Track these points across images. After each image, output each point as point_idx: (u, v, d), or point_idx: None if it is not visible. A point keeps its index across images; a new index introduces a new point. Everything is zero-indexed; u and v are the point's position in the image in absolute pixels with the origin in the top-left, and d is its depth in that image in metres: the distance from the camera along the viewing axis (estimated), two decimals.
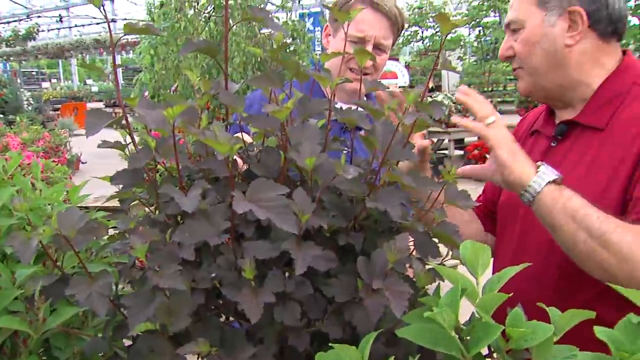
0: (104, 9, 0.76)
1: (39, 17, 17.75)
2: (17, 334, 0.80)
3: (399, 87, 12.65)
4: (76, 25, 18.75)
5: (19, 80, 16.78)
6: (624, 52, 1.25)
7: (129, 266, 0.83)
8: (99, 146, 0.85)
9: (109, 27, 0.83)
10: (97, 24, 18.94)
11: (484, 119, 1.07)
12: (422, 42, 7.49)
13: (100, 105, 18.88)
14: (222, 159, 0.68)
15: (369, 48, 1.56)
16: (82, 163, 9.29)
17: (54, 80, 20.69)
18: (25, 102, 10.35)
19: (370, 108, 0.82)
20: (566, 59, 1.20)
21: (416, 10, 7.17)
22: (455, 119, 1.07)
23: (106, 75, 0.84)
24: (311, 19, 13.03)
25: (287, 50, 4.25)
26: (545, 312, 0.70)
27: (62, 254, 0.90)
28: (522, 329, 0.65)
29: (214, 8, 3.91)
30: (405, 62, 9.12)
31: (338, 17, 0.94)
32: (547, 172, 1.03)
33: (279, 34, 0.90)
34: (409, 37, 7.62)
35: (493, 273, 1.39)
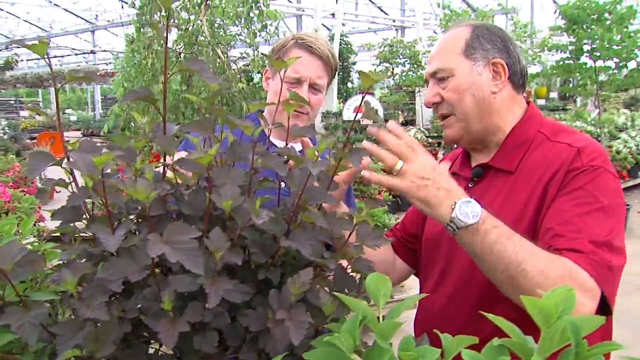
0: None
1: (17, 47, 17.84)
2: None
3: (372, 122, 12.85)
4: (55, 56, 18.90)
5: None
6: (528, 103, 1.40)
7: (68, 295, 0.89)
8: (41, 184, 0.92)
9: (50, 66, 0.91)
10: (76, 54, 19.08)
11: (392, 167, 1.11)
12: (393, 79, 7.72)
13: (78, 134, 18.84)
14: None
15: (305, 87, 1.67)
16: (57, 192, 9.26)
17: (30, 111, 20.62)
18: (1, 131, 10.33)
19: (290, 155, 0.91)
20: (492, 105, 1.33)
21: (387, 48, 7.40)
22: (365, 174, 1.10)
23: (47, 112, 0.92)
24: None
25: (257, 86, 4.36)
26: (470, 330, 0.80)
27: (4, 284, 0.96)
28: (411, 352, 0.73)
29: (184, 46, 4.05)
30: (379, 97, 9.35)
31: (274, 65, 1.03)
32: (463, 213, 1.08)
33: (213, 85, 0.99)
34: (380, 73, 7.83)
35: (420, 291, 1.48)
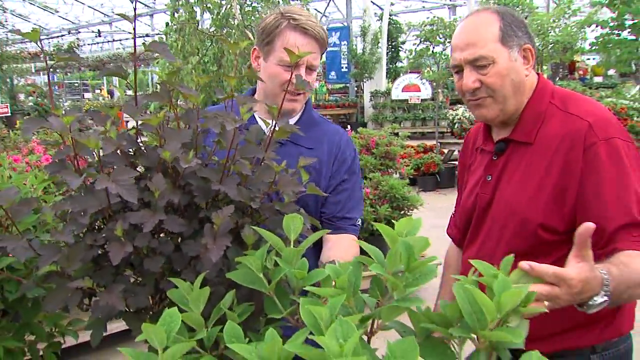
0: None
1: (78, 32, 18.75)
2: None
3: (421, 99, 12.92)
4: (114, 40, 19.75)
5: (64, 92, 17.69)
6: (537, 74, 1.52)
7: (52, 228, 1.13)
8: (39, 143, 1.17)
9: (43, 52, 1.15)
10: (136, 37, 19.79)
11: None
12: (433, 58, 7.75)
13: None
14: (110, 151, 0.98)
15: (302, 70, 1.69)
16: None
17: (97, 91, 21.69)
18: (64, 112, 10.96)
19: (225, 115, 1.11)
20: (524, 86, 1.46)
21: (427, 27, 7.42)
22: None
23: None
24: (338, 33, 13.43)
25: None
26: None
27: (14, 224, 1.21)
28: (301, 271, 0.93)
29: (215, 28, 4.29)
30: (427, 76, 9.38)
31: (291, 59, 1.16)
32: (593, 307, 1.14)
33: (175, 62, 1.21)
34: (421, 52, 7.84)
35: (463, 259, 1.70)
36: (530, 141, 1.44)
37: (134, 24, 1.19)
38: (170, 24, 4.45)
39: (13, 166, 1.32)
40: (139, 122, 1.12)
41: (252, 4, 4.57)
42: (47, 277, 1.12)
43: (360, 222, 1.80)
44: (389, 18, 12.44)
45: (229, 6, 4.23)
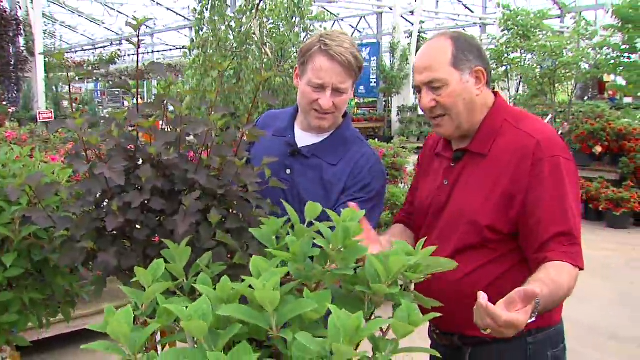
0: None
1: (121, 43, 19.65)
2: (7, 239, 1.46)
3: None
4: (154, 52, 20.66)
5: (106, 99, 18.51)
6: (495, 94, 1.74)
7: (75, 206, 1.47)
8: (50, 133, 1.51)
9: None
10: (170, 49, 20.75)
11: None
12: None
13: None
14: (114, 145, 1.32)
15: (328, 92, 1.79)
16: None
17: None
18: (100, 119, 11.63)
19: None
20: (476, 104, 1.64)
21: None
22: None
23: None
24: (368, 49, 13.79)
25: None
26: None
27: (41, 200, 1.56)
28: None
29: (235, 45, 4.67)
30: None
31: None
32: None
33: (168, 79, 1.54)
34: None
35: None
36: (485, 153, 1.63)
37: (137, 46, 1.52)
38: (194, 40, 4.86)
39: (44, 160, 1.65)
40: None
41: (274, 22, 4.96)
42: (62, 243, 1.45)
43: None
44: (418, 35, 12.73)
45: (249, 25, 4.61)
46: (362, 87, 13.89)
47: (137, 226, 1.37)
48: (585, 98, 12.97)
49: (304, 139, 1.94)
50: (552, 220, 1.51)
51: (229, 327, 0.95)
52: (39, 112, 6.31)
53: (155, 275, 1.08)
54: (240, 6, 4.76)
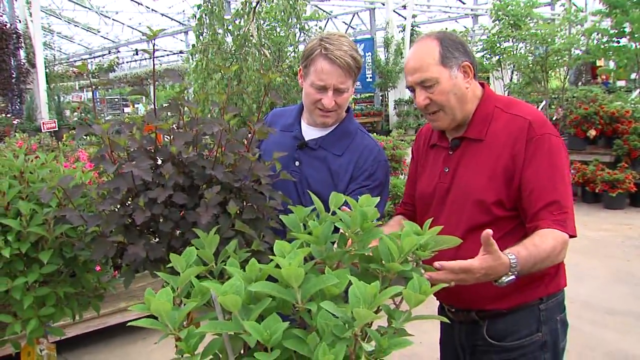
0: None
1: (118, 50, 19.78)
2: (43, 238, 1.57)
3: None
4: (152, 57, 20.69)
5: (106, 107, 18.65)
6: (482, 85, 1.85)
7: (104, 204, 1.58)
8: (77, 140, 1.62)
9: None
10: (174, 54, 20.85)
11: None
12: None
13: None
14: (136, 148, 1.43)
15: (330, 93, 1.93)
16: None
17: (137, 106, 22.78)
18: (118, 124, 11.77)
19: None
20: (467, 97, 1.75)
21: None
22: (437, 265, 1.39)
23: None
24: (362, 45, 13.88)
25: None
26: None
27: (71, 201, 1.66)
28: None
29: (235, 47, 4.79)
30: None
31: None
32: (504, 283, 1.48)
33: (181, 84, 1.65)
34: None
35: None
36: (482, 138, 1.74)
37: (152, 56, 1.63)
38: (196, 45, 4.98)
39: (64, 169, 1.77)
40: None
41: (270, 24, 5.08)
42: (93, 239, 1.56)
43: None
44: (412, 29, 12.84)
45: (247, 28, 4.72)
46: (358, 83, 14.00)
47: (161, 220, 1.49)
48: (579, 83, 13.07)
49: (310, 132, 2.06)
50: (543, 191, 1.64)
51: (259, 302, 1.06)
52: (43, 122, 6.43)
53: (188, 261, 1.19)
54: (237, 10, 4.89)
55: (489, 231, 1.40)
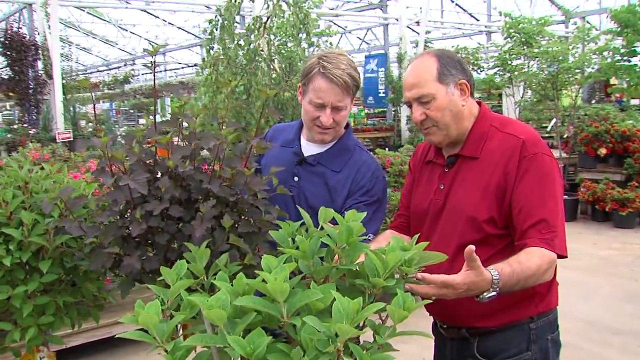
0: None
1: (134, 63, 20.04)
2: (43, 247, 1.61)
3: None
4: (166, 70, 21.07)
5: (122, 117, 18.87)
6: (479, 103, 1.88)
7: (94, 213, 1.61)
8: (87, 150, 1.66)
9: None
10: (183, 67, 21.12)
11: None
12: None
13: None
14: (136, 161, 1.46)
15: (328, 111, 1.96)
16: None
17: (151, 117, 22.85)
18: (119, 137, 11.90)
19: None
20: (463, 114, 1.78)
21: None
22: (419, 276, 1.38)
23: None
24: (375, 60, 13.94)
25: None
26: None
27: (71, 212, 1.70)
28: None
29: (245, 62, 4.85)
30: None
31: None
32: (486, 298, 1.48)
33: (184, 98, 1.68)
34: None
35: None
36: (477, 155, 1.76)
37: (153, 70, 1.67)
38: (206, 59, 5.05)
39: (68, 179, 1.81)
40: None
41: (281, 39, 5.14)
42: (92, 250, 1.60)
43: (371, 237, 1.95)
44: (425, 45, 12.87)
45: (257, 42, 4.79)
46: (371, 98, 14.02)
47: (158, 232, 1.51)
48: (593, 101, 12.99)
49: (309, 149, 2.10)
50: (532, 209, 1.65)
51: (245, 315, 1.08)
52: (58, 133, 6.53)
53: (179, 274, 1.21)
54: (249, 25, 4.97)
55: (471, 247, 1.41)
